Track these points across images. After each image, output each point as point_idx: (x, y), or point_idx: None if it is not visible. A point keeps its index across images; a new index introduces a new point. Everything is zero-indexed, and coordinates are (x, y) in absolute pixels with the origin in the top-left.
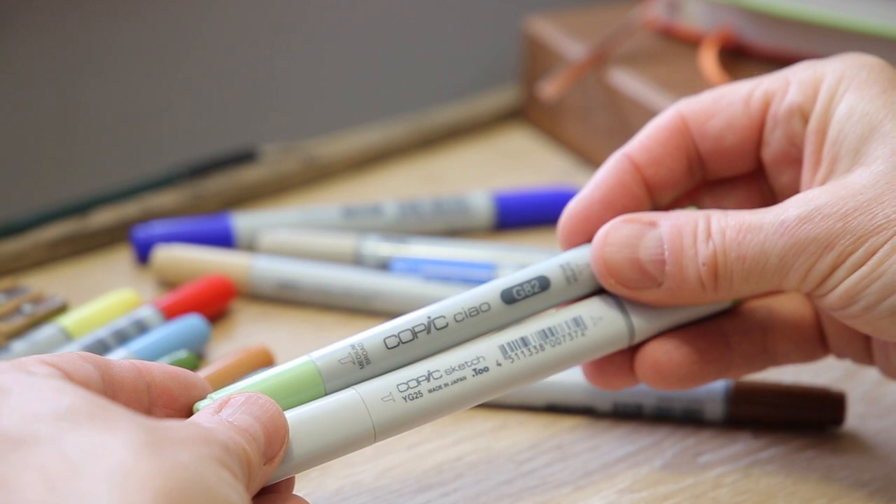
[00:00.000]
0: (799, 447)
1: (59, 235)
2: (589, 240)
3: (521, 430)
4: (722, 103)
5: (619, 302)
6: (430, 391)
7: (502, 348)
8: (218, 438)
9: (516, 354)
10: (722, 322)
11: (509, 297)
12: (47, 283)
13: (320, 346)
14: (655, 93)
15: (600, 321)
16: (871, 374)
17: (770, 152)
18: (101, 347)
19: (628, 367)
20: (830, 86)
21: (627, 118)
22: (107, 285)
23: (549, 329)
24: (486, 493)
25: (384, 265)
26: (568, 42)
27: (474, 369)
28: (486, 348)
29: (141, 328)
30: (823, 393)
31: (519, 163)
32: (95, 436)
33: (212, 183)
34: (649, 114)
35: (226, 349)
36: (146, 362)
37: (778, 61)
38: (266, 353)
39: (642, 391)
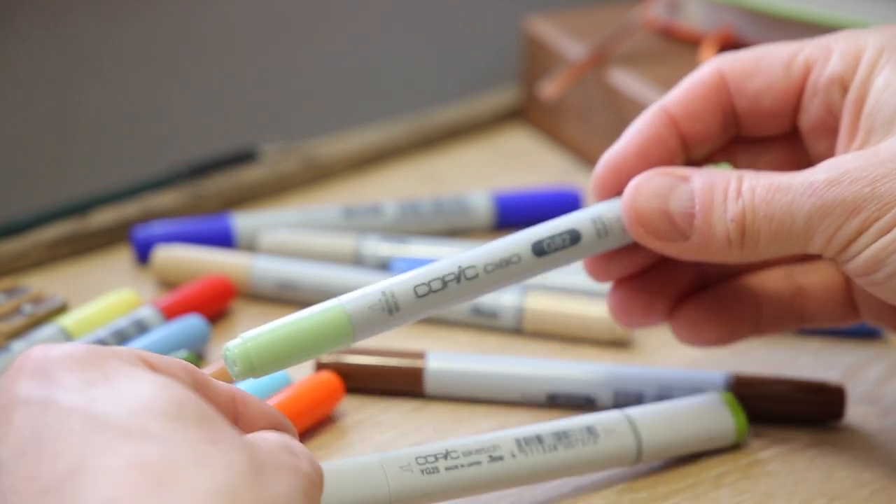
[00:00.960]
0: (799, 447)
1: (59, 235)
2: (621, 193)
3: None
4: (763, 64)
5: (632, 421)
6: (446, 469)
7: (518, 442)
8: (303, 469)
9: (530, 449)
10: (752, 284)
11: (540, 250)
12: (47, 283)
13: None
14: (655, 93)
15: (612, 434)
16: (871, 373)
17: (808, 119)
18: None
19: (657, 309)
20: (871, 57)
21: (627, 118)
22: (107, 285)
23: (564, 432)
24: (486, 492)
25: (384, 265)
26: (568, 42)
27: (490, 456)
28: (503, 439)
29: (141, 328)
30: (823, 387)
31: (519, 163)
32: (203, 447)
33: (212, 183)
34: None
35: None
36: (244, 392)
37: None
38: None
39: (643, 380)
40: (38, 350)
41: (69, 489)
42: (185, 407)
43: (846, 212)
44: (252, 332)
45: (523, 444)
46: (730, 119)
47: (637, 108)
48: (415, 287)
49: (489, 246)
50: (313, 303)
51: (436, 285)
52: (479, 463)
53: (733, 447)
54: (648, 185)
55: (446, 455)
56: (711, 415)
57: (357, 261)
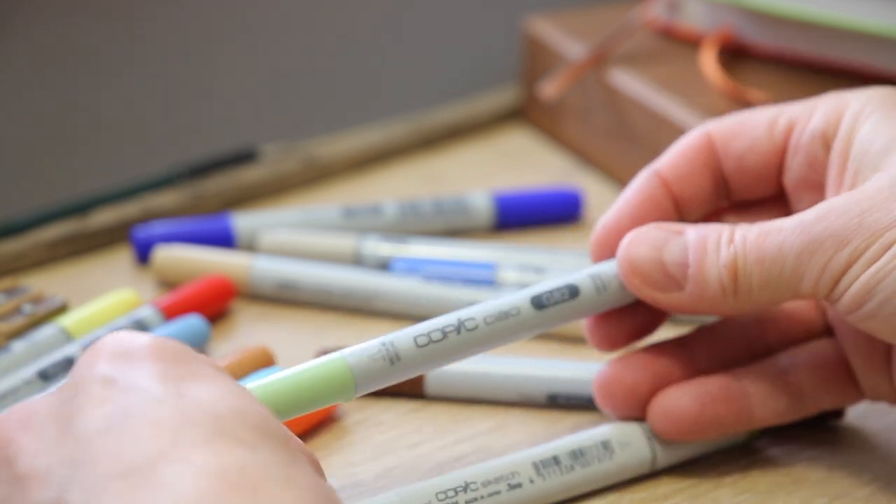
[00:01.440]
0: (799, 447)
1: (59, 235)
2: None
3: (521, 429)
4: (747, 125)
5: (647, 431)
6: (466, 502)
7: (535, 465)
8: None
9: (548, 472)
10: (735, 368)
11: (539, 303)
12: (47, 283)
13: (320, 345)
14: (655, 93)
15: (627, 447)
16: None
17: (791, 178)
18: None
19: (639, 392)
20: (854, 111)
21: (627, 118)
22: (107, 285)
23: (580, 450)
24: None
25: (384, 265)
26: (568, 42)
27: (509, 484)
28: (520, 464)
29: (141, 328)
30: None
31: (519, 163)
32: (289, 470)
33: (212, 183)
34: (649, 114)
35: (226, 349)
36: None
37: (778, 61)
38: (266, 353)
39: None
40: (123, 334)
41: (152, 475)
42: (270, 425)
43: (835, 244)
44: (253, 385)
45: (541, 467)
46: (720, 182)
47: (637, 108)
48: (415, 338)
49: (490, 301)
50: (313, 302)
51: (436, 336)
52: (498, 493)
53: (735, 447)
54: (643, 237)
55: (465, 488)
56: None
57: (357, 261)
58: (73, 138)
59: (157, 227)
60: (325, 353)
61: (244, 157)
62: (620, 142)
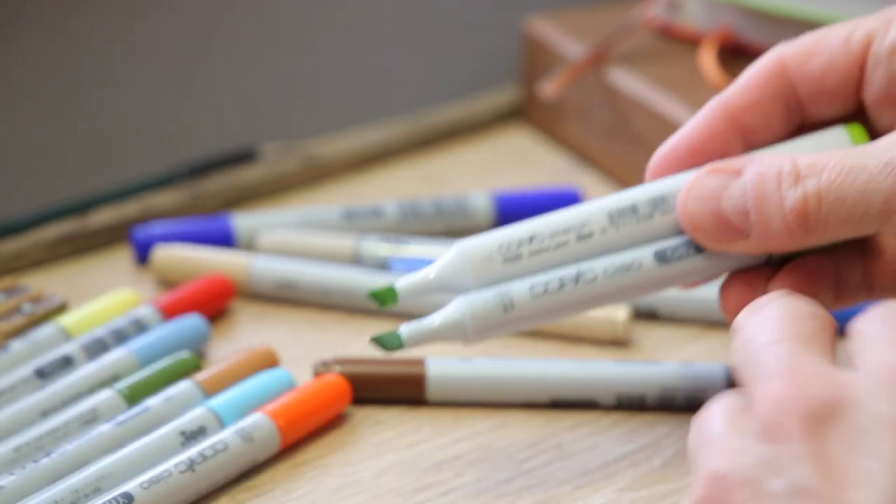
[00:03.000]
0: None
1: (59, 235)
2: None
3: (521, 428)
4: (822, 45)
5: None
6: (530, 254)
7: (610, 215)
8: None
9: (623, 222)
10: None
11: (662, 257)
12: (47, 283)
13: (320, 345)
14: (655, 92)
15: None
16: None
17: (872, 92)
18: (100, 346)
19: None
20: None
21: (627, 118)
22: (106, 285)
23: (661, 197)
24: (486, 491)
25: (384, 265)
26: (568, 42)
27: (578, 234)
28: (593, 213)
29: (140, 327)
30: None
31: (519, 163)
32: None
33: (211, 183)
34: (649, 113)
35: (225, 348)
36: None
37: None
38: (270, 353)
39: (645, 381)
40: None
41: None
42: None
43: None
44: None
45: (616, 216)
46: (793, 106)
47: (637, 107)
48: (531, 286)
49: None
50: (313, 302)
51: (552, 286)
52: (565, 244)
53: None
54: (700, 188)
55: (531, 240)
56: None
57: (356, 261)
58: (73, 138)
59: (157, 227)
60: (324, 366)
61: (244, 157)
62: (620, 141)
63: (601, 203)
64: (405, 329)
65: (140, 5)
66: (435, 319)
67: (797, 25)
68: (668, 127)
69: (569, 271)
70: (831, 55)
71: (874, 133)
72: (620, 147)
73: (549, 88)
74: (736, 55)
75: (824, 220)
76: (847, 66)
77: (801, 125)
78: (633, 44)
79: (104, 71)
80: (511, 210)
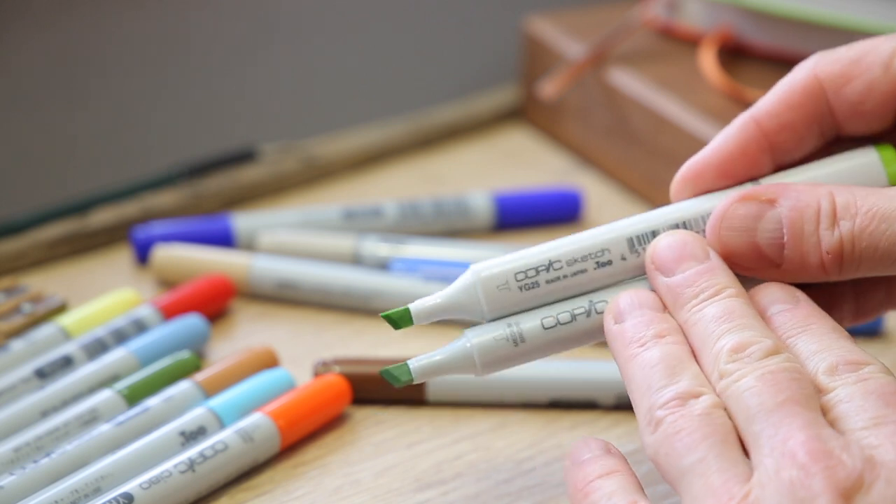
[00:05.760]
0: None
1: (59, 235)
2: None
3: (521, 429)
4: (861, 66)
5: None
6: (547, 282)
7: (630, 241)
8: None
9: (644, 249)
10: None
11: None
12: (47, 283)
13: (320, 345)
14: (655, 92)
15: None
16: None
17: None
18: (100, 346)
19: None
20: None
21: (627, 118)
22: (106, 285)
23: (684, 223)
24: (486, 492)
25: (383, 265)
26: (568, 42)
27: (597, 262)
28: (613, 240)
29: (140, 327)
30: None
31: (519, 163)
32: None
33: (211, 183)
34: (649, 113)
35: (225, 348)
36: None
37: (778, 61)
38: (270, 353)
39: None
40: None
41: None
42: None
43: None
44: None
45: (636, 243)
46: (827, 127)
47: (637, 107)
48: (542, 319)
49: (621, 284)
50: (313, 302)
51: (564, 318)
52: (584, 271)
53: None
54: (734, 217)
55: (548, 267)
56: None
57: (356, 261)
58: (73, 138)
59: (157, 227)
60: (324, 366)
61: (244, 157)
62: (620, 141)
63: (622, 227)
64: (414, 364)
65: (142, 6)
66: (444, 353)
67: (797, 25)
68: (668, 127)
69: (581, 303)
70: (871, 80)
71: None
72: (620, 147)
73: (549, 88)
74: (736, 55)
75: (857, 262)
76: (887, 90)
77: (833, 140)
78: (633, 44)
79: (104, 71)
80: (511, 210)
